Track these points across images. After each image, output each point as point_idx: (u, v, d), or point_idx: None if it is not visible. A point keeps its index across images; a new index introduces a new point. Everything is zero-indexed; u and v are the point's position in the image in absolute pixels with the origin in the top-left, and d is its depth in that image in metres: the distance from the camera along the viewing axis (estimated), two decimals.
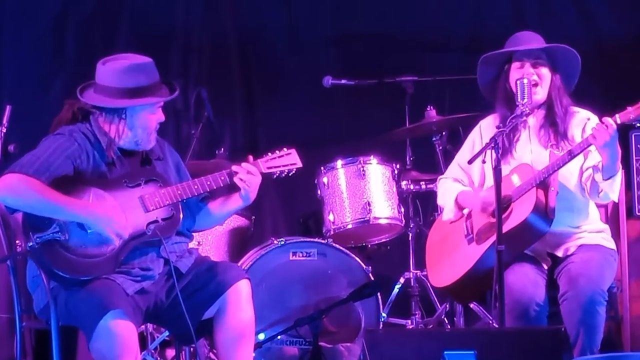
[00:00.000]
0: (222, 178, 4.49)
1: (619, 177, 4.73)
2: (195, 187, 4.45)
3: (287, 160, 4.63)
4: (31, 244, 4.19)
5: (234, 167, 4.51)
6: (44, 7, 6.60)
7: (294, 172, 4.65)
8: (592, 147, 4.69)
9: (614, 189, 4.73)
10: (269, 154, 4.63)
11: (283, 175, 4.63)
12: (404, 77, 6.04)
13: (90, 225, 4.24)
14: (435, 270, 5.06)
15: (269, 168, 4.59)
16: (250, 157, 4.57)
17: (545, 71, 4.87)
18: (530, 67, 4.84)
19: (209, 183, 4.46)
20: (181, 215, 4.44)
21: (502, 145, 4.79)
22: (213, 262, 4.56)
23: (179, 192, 4.41)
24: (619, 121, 4.54)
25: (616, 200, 4.85)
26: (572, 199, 4.84)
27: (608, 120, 4.53)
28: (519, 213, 4.71)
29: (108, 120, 4.42)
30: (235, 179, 4.50)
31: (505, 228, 4.65)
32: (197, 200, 4.61)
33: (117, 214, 4.28)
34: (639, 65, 6.40)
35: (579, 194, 4.85)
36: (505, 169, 4.72)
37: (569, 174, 4.82)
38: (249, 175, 4.50)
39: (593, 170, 4.72)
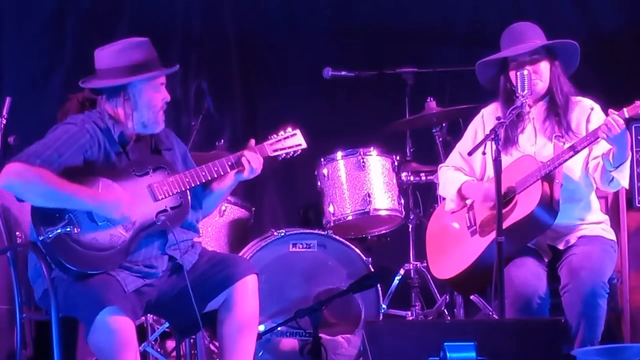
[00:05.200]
0: (229, 163, 4.47)
1: (628, 162, 4.72)
2: (203, 173, 4.42)
3: (292, 141, 4.61)
4: (42, 237, 4.15)
5: (246, 152, 4.47)
6: (44, 0, 6.60)
7: (299, 153, 4.64)
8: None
9: (624, 175, 4.72)
10: (274, 135, 4.60)
11: (289, 157, 4.61)
12: (404, 69, 6.03)
13: (99, 212, 4.21)
14: (438, 262, 5.04)
15: (274, 151, 4.58)
16: (253, 141, 4.55)
17: (543, 65, 4.84)
18: (528, 66, 4.79)
19: (216, 169, 4.44)
20: (189, 203, 4.41)
21: (504, 137, 4.79)
22: (222, 255, 4.56)
23: (187, 179, 4.39)
24: (627, 115, 4.53)
25: (627, 187, 4.84)
26: (575, 191, 4.83)
27: (617, 117, 4.50)
28: (525, 205, 4.69)
29: (113, 103, 4.37)
30: (243, 160, 4.47)
31: (511, 220, 4.67)
32: (202, 188, 4.59)
33: (123, 198, 4.25)
34: (638, 57, 6.40)
35: (582, 186, 4.85)
36: (507, 160, 4.71)
37: (572, 166, 4.80)
38: (256, 162, 4.48)
39: (602, 159, 4.70)
